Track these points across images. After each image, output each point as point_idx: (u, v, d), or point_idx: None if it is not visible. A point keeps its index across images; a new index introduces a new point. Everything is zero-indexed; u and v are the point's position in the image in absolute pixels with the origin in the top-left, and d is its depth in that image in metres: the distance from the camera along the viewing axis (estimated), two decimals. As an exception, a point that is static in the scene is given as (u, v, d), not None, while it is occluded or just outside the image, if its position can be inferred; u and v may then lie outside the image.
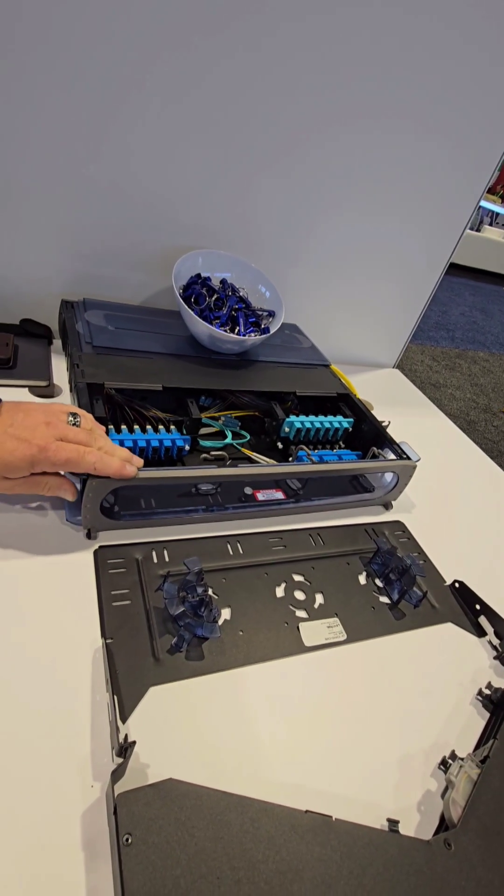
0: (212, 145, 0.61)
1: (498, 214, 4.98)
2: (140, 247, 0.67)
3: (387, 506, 0.61)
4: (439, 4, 0.59)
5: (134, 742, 0.30)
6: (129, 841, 0.26)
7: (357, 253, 0.78)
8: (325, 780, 0.34)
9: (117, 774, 0.28)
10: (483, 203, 4.78)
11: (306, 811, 0.29)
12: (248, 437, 0.60)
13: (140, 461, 0.43)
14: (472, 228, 4.40)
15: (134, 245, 0.66)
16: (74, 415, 0.41)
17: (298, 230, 0.72)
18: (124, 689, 0.35)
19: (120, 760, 0.29)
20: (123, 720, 0.33)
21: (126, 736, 0.30)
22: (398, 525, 0.58)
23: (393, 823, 0.32)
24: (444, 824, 0.33)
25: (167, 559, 0.45)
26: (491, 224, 4.80)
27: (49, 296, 0.66)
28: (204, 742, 0.34)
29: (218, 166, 0.63)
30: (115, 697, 0.33)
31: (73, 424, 0.40)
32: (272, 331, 0.64)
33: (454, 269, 4.56)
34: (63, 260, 0.65)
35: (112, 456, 0.41)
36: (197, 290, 0.64)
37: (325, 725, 0.38)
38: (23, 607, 0.38)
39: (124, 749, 0.29)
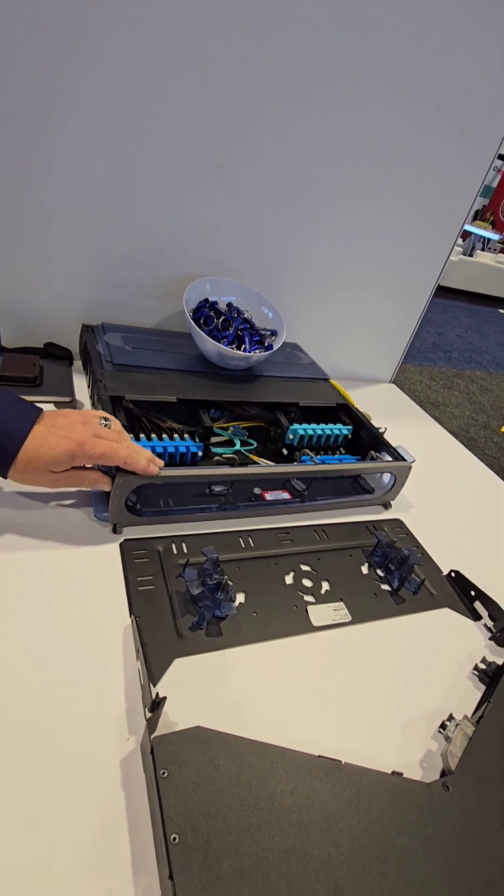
0: (217, 187, 0.69)
1: (489, 240, 5.17)
2: (153, 276, 0.73)
3: (386, 505, 0.65)
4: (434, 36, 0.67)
5: (165, 697, 0.34)
6: (166, 774, 0.30)
7: (351, 276, 0.84)
8: (335, 740, 0.38)
9: (152, 724, 0.32)
10: (474, 230, 4.96)
11: (319, 756, 0.33)
12: (255, 445, 0.65)
13: (161, 462, 0.48)
14: (465, 254, 4.56)
15: (148, 274, 0.73)
16: (105, 418, 0.47)
17: (296, 258, 0.79)
18: (152, 660, 0.39)
19: (151, 715, 0.33)
20: (154, 683, 0.37)
21: (157, 693, 0.34)
22: (397, 522, 0.63)
23: (397, 774, 0.35)
24: (443, 775, 0.36)
25: (185, 550, 0.49)
26: (483, 249, 4.97)
27: (70, 321, 0.73)
28: (225, 705, 0.38)
29: (222, 204, 0.70)
30: (147, 662, 0.37)
31: (105, 426, 0.46)
32: (275, 348, 0.70)
33: (449, 292, 4.70)
34: (84, 289, 0.72)
35: (139, 454, 0.46)
36: (205, 312, 0.71)
37: (334, 694, 0.41)
38: (59, 593, 0.42)
39: (156, 703, 0.33)
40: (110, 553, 0.47)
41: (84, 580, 0.44)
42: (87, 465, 0.47)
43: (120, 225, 0.68)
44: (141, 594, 0.44)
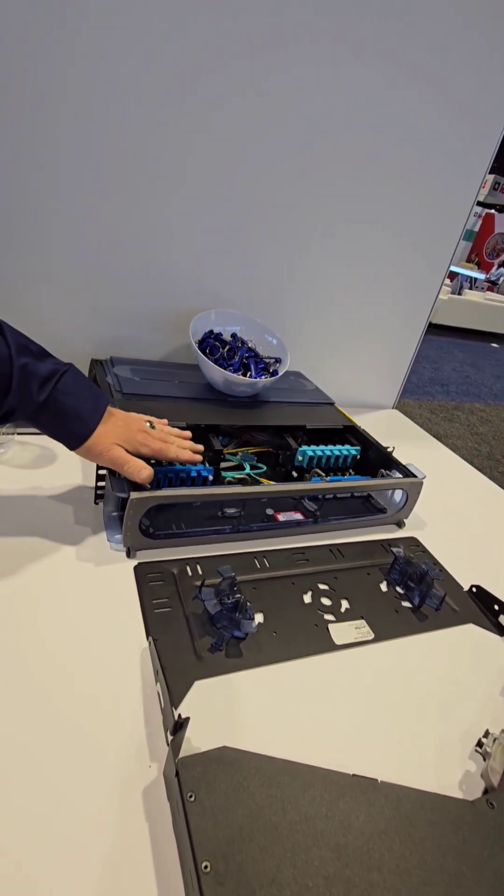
0: (219, 224, 0.72)
1: (476, 279, 5.41)
2: (159, 310, 0.76)
3: (399, 524, 0.64)
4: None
5: (188, 718, 0.32)
6: (193, 798, 0.28)
7: (351, 306, 0.87)
8: (367, 762, 0.36)
9: (175, 746, 0.31)
10: (461, 270, 5.16)
11: (353, 775, 0.31)
12: (265, 468, 0.65)
13: (198, 450, 0.54)
14: (454, 293, 4.73)
15: (154, 309, 0.76)
16: (150, 422, 0.53)
17: (297, 289, 0.82)
18: (171, 683, 0.37)
19: (173, 737, 0.32)
20: (175, 705, 0.35)
21: (180, 714, 0.33)
22: (412, 540, 0.62)
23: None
24: (486, 793, 0.34)
25: (200, 572, 0.49)
26: (471, 288, 5.18)
27: (79, 356, 0.74)
28: (249, 727, 0.36)
29: (224, 240, 0.74)
30: (167, 684, 0.35)
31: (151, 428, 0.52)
32: (281, 373, 0.72)
33: (442, 329, 4.83)
34: (92, 325, 0.74)
35: (184, 449, 0.52)
36: (211, 342, 0.73)
37: (362, 714, 0.39)
38: (72, 618, 0.41)
39: (179, 725, 0.32)
40: (124, 576, 0.46)
41: (98, 604, 0.43)
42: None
43: (126, 263, 0.71)
44: (157, 617, 0.43)
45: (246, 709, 0.37)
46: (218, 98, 0.64)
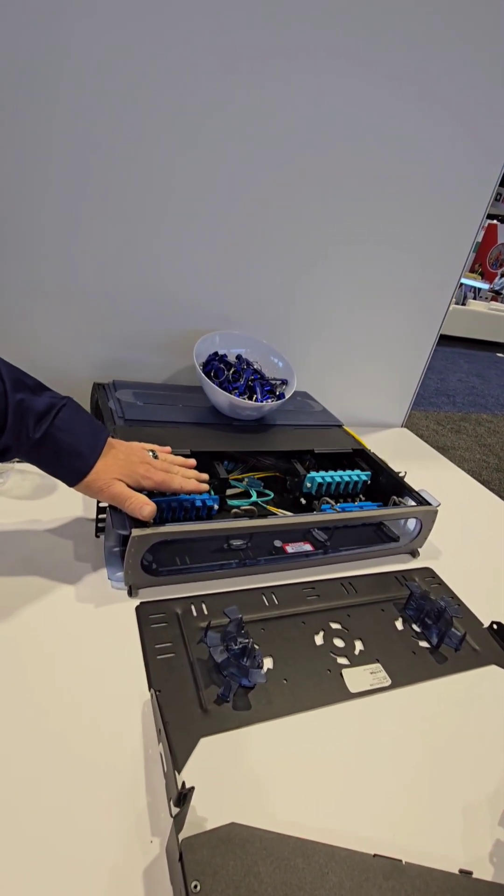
0: (222, 244, 0.71)
1: (480, 289, 5.41)
2: (162, 333, 0.74)
3: (413, 553, 0.61)
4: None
5: (192, 788, 0.29)
6: (198, 888, 0.25)
7: (357, 324, 0.86)
8: (387, 830, 0.33)
9: (179, 821, 0.28)
10: (465, 280, 5.17)
11: (375, 855, 0.28)
12: (272, 496, 0.63)
13: (203, 479, 0.52)
14: (458, 303, 4.72)
15: (157, 332, 0.74)
16: (152, 451, 0.52)
17: (302, 309, 0.80)
18: (175, 741, 0.35)
19: (178, 809, 0.29)
20: (178, 770, 0.33)
21: (184, 783, 0.30)
22: (427, 571, 0.59)
23: (466, 873, 0.30)
24: (520, 873, 0.31)
25: (206, 612, 0.46)
26: (475, 298, 5.17)
27: (82, 381, 0.73)
28: (260, 792, 0.33)
29: (228, 261, 0.72)
30: (169, 746, 0.33)
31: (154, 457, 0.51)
32: (287, 396, 0.70)
33: (446, 339, 4.81)
34: (94, 349, 0.73)
35: (188, 479, 0.50)
36: (215, 365, 0.71)
37: (381, 773, 0.36)
38: (73, 670, 0.39)
39: (183, 796, 0.29)
40: (126, 618, 0.44)
41: (98, 652, 0.41)
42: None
43: (128, 285, 0.69)
44: (160, 664, 0.40)
45: (255, 768, 0.35)
46: (221, 117, 0.63)
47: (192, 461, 0.54)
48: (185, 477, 0.50)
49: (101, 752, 0.34)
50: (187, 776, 0.33)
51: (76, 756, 0.33)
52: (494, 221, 5.52)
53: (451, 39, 0.67)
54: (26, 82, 0.54)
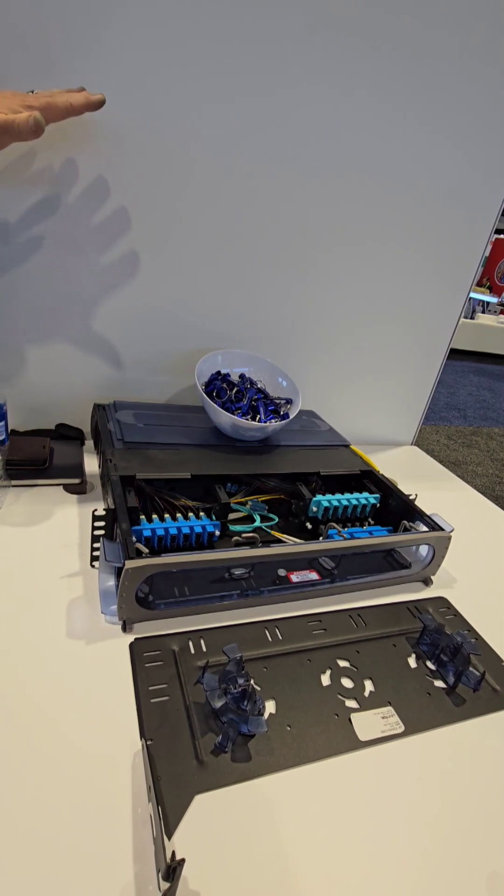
0: (223, 262, 0.70)
1: (488, 303, 5.38)
2: (164, 352, 0.73)
3: (426, 581, 0.58)
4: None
5: (183, 860, 0.26)
6: None
7: (364, 340, 0.83)
8: (404, 908, 0.29)
9: (167, 901, 0.25)
10: (474, 295, 5.16)
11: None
12: (277, 520, 0.60)
13: (97, 99, 0.49)
14: (466, 317, 4.71)
15: (159, 351, 0.73)
16: (31, 91, 0.47)
17: (306, 325, 0.79)
18: (168, 799, 0.32)
19: (168, 885, 0.26)
20: (169, 835, 0.30)
21: (173, 853, 0.27)
22: (442, 601, 0.55)
23: None
24: None
25: (204, 649, 0.43)
26: (483, 312, 5.15)
27: (83, 401, 0.71)
28: (261, 857, 0.30)
29: (230, 279, 0.71)
30: (160, 808, 0.30)
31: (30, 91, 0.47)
32: (291, 416, 0.67)
33: (456, 353, 4.78)
34: (96, 369, 0.71)
35: (74, 94, 0.47)
36: (218, 385, 0.69)
37: (394, 835, 0.33)
38: (56, 710, 0.36)
39: (172, 869, 0.26)
40: (119, 656, 0.41)
41: (87, 694, 0.38)
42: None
43: (130, 305, 0.68)
44: (154, 708, 0.37)
45: (255, 831, 0.31)
46: (221, 136, 0.62)
47: (81, 88, 0.52)
48: (69, 95, 0.47)
49: (86, 811, 0.31)
50: (180, 840, 0.30)
51: (57, 816, 0.30)
52: (502, 236, 5.52)
53: (458, 51, 0.66)
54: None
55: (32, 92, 0.48)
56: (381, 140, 0.68)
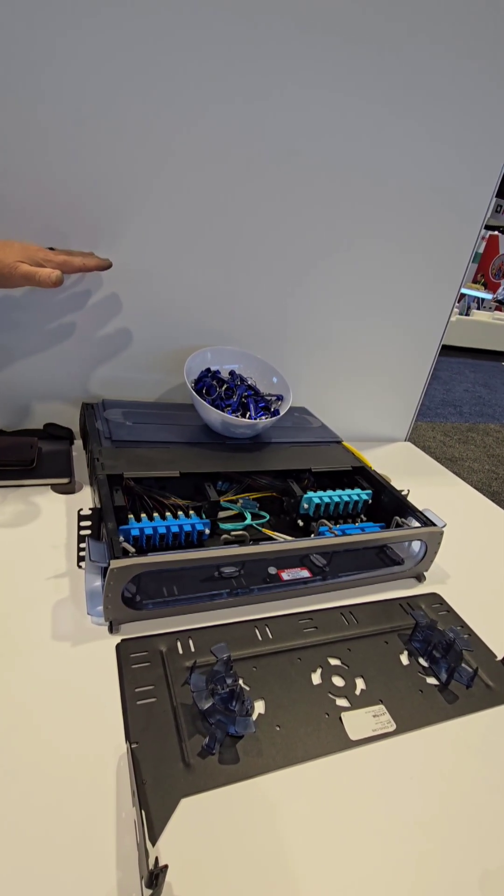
0: (212, 258, 0.69)
1: (483, 299, 5.38)
2: (153, 350, 0.72)
3: (419, 578, 0.58)
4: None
5: (166, 866, 0.26)
6: None
7: (355, 335, 0.83)
8: (394, 910, 0.29)
9: (148, 909, 0.24)
10: (468, 291, 5.16)
11: None
12: (268, 517, 0.59)
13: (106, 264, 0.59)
14: (461, 313, 4.70)
15: (148, 349, 0.72)
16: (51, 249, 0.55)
17: (297, 321, 0.78)
18: (153, 803, 0.31)
19: (150, 892, 0.25)
20: (153, 841, 0.29)
21: (157, 860, 0.26)
22: (434, 598, 0.55)
23: None
24: None
25: (193, 649, 0.42)
26: (478, 308, 5.15)
27: (71, 400, 0.71)
28: (249, 862, 0.29)
29: (218, 275, 0.70)
30: (143, 813, 0.29)
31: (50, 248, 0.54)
32: (282, 413, 0.67)
33: (451, 350, 4.78)
34: (84, 367, 0.70)
35: (88, 256, 0.57)
36: (207, 382, 0.68)
37: (386, 835, 0.32)
38: (42, 713, 0.35)
39: (155, 876, 0.26)
40: (105, 657, 0.41)
41: (72, 697, 0.37)
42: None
43: (118, 301, 0.67)
44: (140, 710, 0.37)
45: (243, 835, 0.31)
46: (214, 130, 0.61)
47: (91, 253, 0.60)
48: (84, 257, 0.56)
49: (69, 815, 0.30)
50: (165, 845, 0.29)
51: (39, 820, 0.29)
52: (496, 233, 5.52)
53: (450, 50, 0.65)
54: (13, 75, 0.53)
55: (52, 249, 0.56)
56: (371, 139, 0.67)
